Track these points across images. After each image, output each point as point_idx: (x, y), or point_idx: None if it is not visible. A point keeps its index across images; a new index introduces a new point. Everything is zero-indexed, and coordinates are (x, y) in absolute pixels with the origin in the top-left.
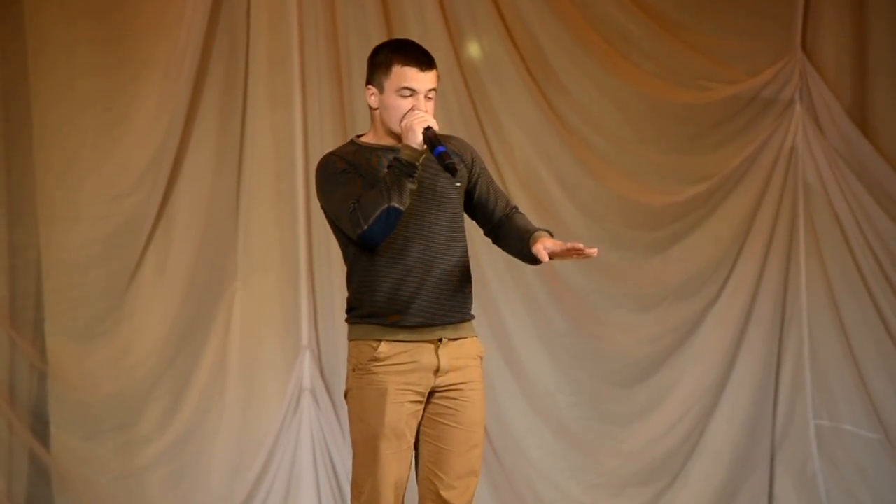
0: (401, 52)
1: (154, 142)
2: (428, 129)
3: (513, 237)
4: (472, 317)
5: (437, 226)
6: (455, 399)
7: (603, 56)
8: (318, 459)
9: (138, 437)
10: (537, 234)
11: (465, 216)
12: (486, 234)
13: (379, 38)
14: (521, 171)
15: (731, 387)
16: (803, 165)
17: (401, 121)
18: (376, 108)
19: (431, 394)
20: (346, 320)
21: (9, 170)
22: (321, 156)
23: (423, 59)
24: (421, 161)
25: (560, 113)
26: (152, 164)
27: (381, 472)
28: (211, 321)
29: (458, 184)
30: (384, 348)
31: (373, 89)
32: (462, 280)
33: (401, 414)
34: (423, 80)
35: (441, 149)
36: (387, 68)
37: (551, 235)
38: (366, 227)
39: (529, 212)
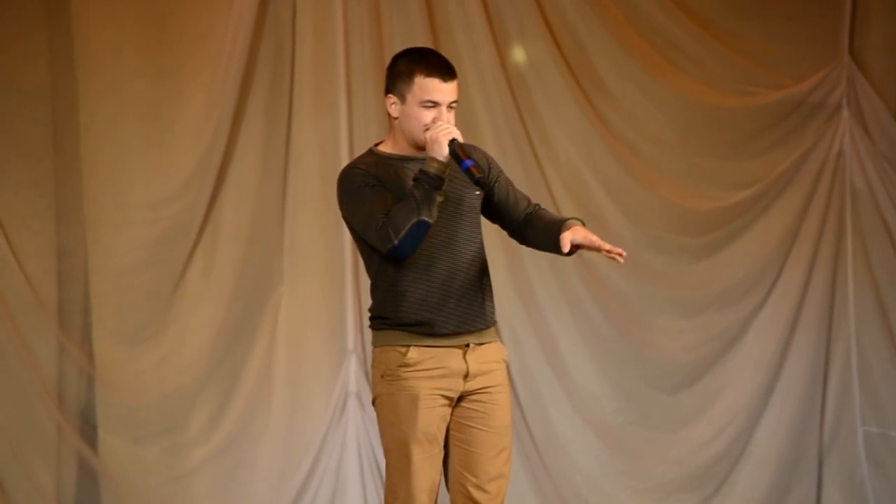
0: (423, 62)
1: (200, 147)
2: (453, 142)
3: (542, 230)
4: (495, 322)
5: (462, 236)
6: (484, 402)
7: (648, 61)
8: (364, 463)
9: (185, 441)
10: (569, 222)
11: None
12: (511, 234)
13: (424, 43)
14: (566, 176)
15: (778, 393)
16: (850, 171)
17: (424, 132)
18: (397, 118)
19: (460, 398)
20: (371, 327)
21: (56, 170)
22: None
23: (446, 70)
24: (447, 174)
25: (605, 118)
26: (198, 169)
27: (414, 477)
28: (257, 325)
29: (478, 192)
30: (413, 353)
31: (393, 98)
32: (484, 286)
33: (432, 418)
34: (445, 91)
35: (469, 163)
36: (409, 78)
37: (583, 224)
38: (396, 242)
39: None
